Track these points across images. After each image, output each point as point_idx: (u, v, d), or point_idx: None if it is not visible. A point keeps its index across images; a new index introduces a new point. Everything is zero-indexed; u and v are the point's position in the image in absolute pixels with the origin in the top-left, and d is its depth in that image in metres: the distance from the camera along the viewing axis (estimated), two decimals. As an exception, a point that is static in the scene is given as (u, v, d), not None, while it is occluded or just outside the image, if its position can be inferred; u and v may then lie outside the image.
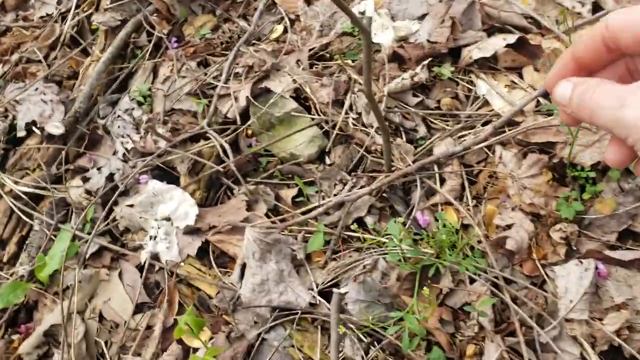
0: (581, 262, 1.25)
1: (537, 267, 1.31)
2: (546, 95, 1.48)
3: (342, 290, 1.26)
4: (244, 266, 1.43)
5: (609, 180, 1.33)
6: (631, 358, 1.17)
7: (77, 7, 2.12)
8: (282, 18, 1.89)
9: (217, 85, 1.76)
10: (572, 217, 1.29)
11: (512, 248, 1.30)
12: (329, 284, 1.39)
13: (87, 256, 1.57)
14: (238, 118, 1.69)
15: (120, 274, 1.55)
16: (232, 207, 1.57)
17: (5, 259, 1.64)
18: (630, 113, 0.55)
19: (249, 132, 1.72)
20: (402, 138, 1.58)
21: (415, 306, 1.17)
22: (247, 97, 1.68)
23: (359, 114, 1.62)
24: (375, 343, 1.29)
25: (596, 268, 1.23)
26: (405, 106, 1.60)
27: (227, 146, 1.61)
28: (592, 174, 1.33)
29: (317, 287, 1.38)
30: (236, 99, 1.71)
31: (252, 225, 1.44)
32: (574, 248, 1.31)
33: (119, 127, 1.78)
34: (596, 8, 1.58)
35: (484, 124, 1.51)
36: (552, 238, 1.33)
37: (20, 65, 1.96)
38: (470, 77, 1.60)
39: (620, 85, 0.57)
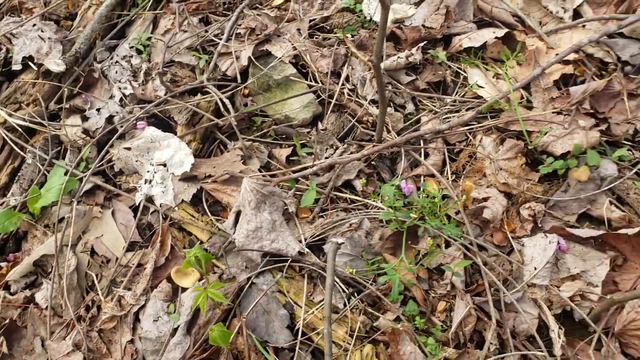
0: (546, 235, 1.41)
1: (506, 238, 1.47)
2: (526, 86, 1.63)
3: (340, 240, 1.37)
4: (237, 214, 1.51)
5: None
6: (580, 321, 1.34)
7: (76, -52, 2.11)
8: (286, -14, 1.96)
9: (218, 43, 1.82)
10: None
11: (488, 217, 1.45)
12: (316, 238, 1.50)
13: (81, 193, 1.60)
14: (239, 76, 1.76)
15: (113, 213, 1.60)
16: (227, 160, 1.64)
17: (-5, 189, 1.67)
18: None
19: (246, 91, 1.80)
20: (392, 109, 1.69)
21: (404, 261, 1.30)
22: (250, 57, 1.76)
23: (354, 86, 1.72)
24: (356, 294, 1.41)
25: (558, 242, 1.39)
26: (398, 83, 1.72)
27: (227, 101, 1.68)
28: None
29: (305, 240, 1.49)
30: (237, 57, 1.78)
31: (250, 176, 1.52)
32: (539, 225, 1.47)
33: (116, 72, 1.82)
34: (576, 15, 1.74)
35: (469, 109, 1.65)
36: (521, 215, 1.49)
37: (16, 0, 1.95)
38: (459, 64, 1.73)
39: None
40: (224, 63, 1.80)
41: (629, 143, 1.56)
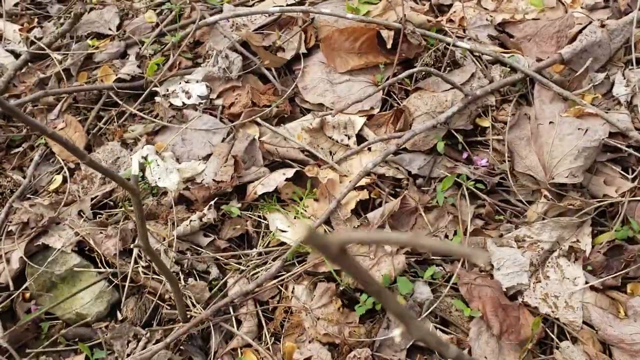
0: (377, 387, 1.29)
1: (338, 400, 1.33)
2: (327, 221, 1.57)
3: None
4: None
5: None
6: None
7: None
8: (62, 167, 1.79)
9: (-15, 248, 1.58)
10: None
11: (312, 384, 1.31)
12: None
13: None
14: (11, 283, 1.51)
15: None
16: (6, 390, 1.36)
17: None
18: None
19: (27, 295, 1.55)
20: (195, 279, 1.54)
21: None
22: (21, 257, 1.53)
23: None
24: None
25: (391, 390, 1.28)
26: (198, 248, 1.59)
27: (-4, 318, 1.42)
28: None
29: None
30: (8, 261, 1.54)
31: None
32: (370, 374, 1.36)
33: None
34: (360, 140, 1.76)
35: (275, 259, 1.55)
36: (349, 367, 1.36)
37: None
38: (259, 212, 1.64)
39: None
40: (-8, 271, 1.55)
41: (438, 258, 1.54)
